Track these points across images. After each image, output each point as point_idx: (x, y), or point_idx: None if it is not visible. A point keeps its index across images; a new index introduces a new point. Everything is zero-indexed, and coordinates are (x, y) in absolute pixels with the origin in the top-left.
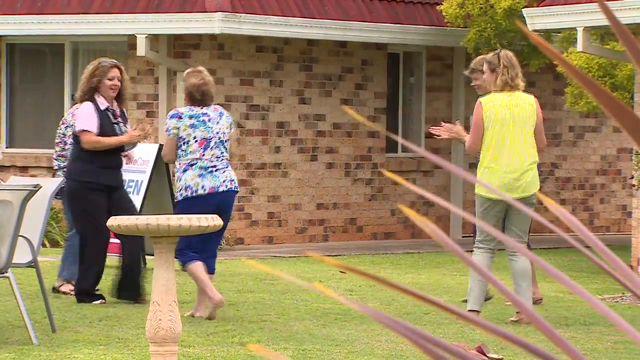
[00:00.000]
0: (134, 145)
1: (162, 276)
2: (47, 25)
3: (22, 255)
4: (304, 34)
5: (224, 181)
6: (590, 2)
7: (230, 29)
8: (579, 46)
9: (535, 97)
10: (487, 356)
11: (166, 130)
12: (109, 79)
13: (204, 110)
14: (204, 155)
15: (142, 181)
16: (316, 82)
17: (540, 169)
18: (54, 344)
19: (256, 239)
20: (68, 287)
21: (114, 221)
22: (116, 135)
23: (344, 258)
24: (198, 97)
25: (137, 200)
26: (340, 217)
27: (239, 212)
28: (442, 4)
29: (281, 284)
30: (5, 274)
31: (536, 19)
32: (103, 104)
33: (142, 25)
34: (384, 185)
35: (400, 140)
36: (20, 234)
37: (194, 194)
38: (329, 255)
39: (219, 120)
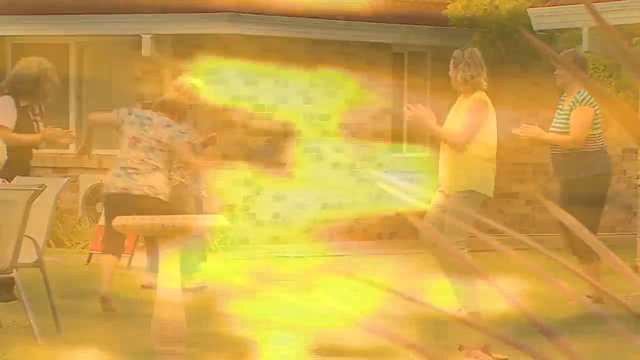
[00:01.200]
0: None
1: (167, 276)
2: (52, 26)
3: (28, 255)
4: (309, 33)
5: (141, 185)
6: (596, 2)
7: (235, 29)
8: (585, 46)
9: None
10: (492, 356)
11: (117, 113)
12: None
13: (151, 115)
14: (130, 154)
15: None
16: (321, 82)
17: (545, 169)
18: (59, 344)
19: (261, 239)
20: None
21: (119, 221)
22: (34, 132)
23: (348, 258)
24: (161, 106)
25: None
26: (345, 217)
27: (244, 212)
28: (447, 8)
29: (287, 283)
30: (11, 274)
31: (541, 19)
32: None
33: (146, 26)
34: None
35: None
36: (25, 234)
37: (108, 192)
38: (334, 256)
39: (160, 129)
